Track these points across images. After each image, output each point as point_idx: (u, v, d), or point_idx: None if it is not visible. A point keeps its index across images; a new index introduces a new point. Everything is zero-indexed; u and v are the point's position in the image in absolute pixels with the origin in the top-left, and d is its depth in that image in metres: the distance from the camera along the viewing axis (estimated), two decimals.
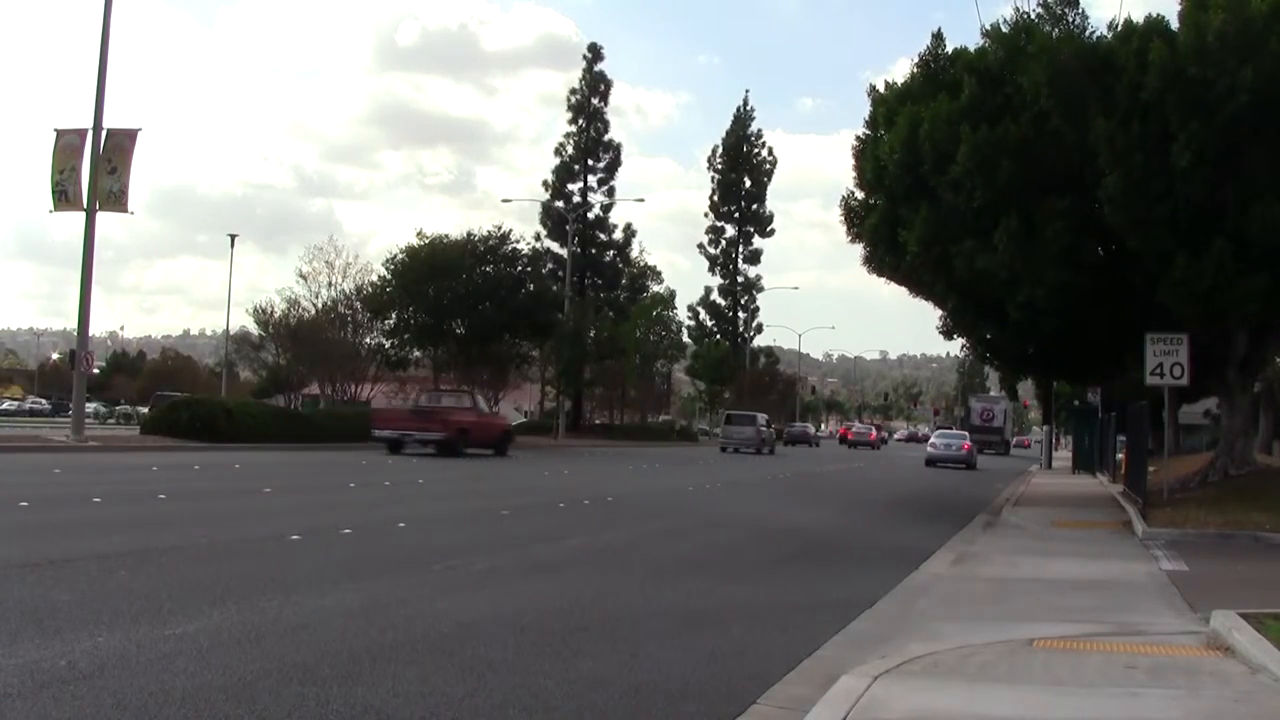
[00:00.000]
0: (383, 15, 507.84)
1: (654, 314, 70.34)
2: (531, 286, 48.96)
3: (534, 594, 8.45)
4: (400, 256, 46.24)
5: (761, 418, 53.35)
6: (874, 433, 79.46)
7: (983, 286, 19.04)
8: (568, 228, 63.15)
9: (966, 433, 51.29)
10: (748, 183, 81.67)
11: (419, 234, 47.26)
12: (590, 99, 70.60)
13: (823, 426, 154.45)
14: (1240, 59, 15.55)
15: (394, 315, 46.89)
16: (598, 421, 70.13)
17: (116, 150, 28.77)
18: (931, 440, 48.54)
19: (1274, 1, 15.60)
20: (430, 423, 31.64)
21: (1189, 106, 16.09)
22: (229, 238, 59.14)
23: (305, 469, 23.38)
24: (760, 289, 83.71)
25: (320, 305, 48.32)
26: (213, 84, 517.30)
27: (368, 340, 50.12)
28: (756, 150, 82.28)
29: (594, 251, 69.82)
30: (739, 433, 50.43)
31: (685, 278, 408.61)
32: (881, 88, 21.09)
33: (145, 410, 48.04)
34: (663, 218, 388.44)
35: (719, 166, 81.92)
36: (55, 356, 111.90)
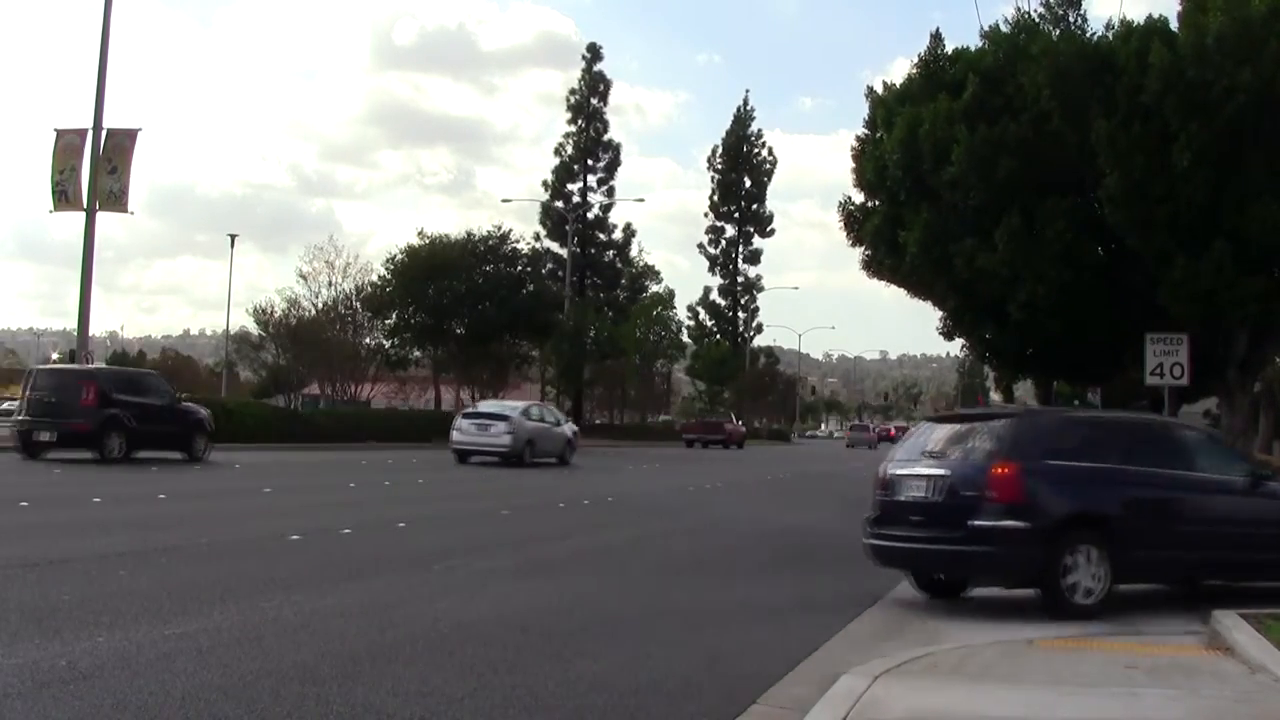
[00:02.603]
0: (380, 14, 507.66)
1: (654, 314, 70.36)
2: (531, 286, 48.94)
3: (534, 594, 8.45)
4: (400, 256, 46.23)
5: (872, 424, 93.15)
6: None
7: (983, 286, 19.07)
8: (567, 228, 63.14)
9: None
10: (748, 183, 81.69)
11: (419, 234, 47.30)
12: (590, 99, 70.64)
13: (823, 426, 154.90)
14: (1239, 60, 15.57)
15: (394, 315, 46.86)
16: (598, 421, 70.10)
17: (116, 150, 28.77)
18: None
19: (1273, 3, 15.62)
20: (716, 431, 56.81)
21: (1189, 108, 16.12)
22: (229, 238, 59.18)
23: (305, 469, 23.38)
24: (760, 289, 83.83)
25: (320, 305, 48.31)
26: (211, 84, 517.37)
27: (368, 340, 50.11)
28: (756, 150, 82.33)
29: (594, 251, 69.84)
30: (859, 437, 76.77)
31: (685, 278, 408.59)
32: (880, 89, 21.16)
33: None
34: (663, 218, 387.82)
35: (719, 166, 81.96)
36: (55, 356, 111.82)
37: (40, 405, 21.35)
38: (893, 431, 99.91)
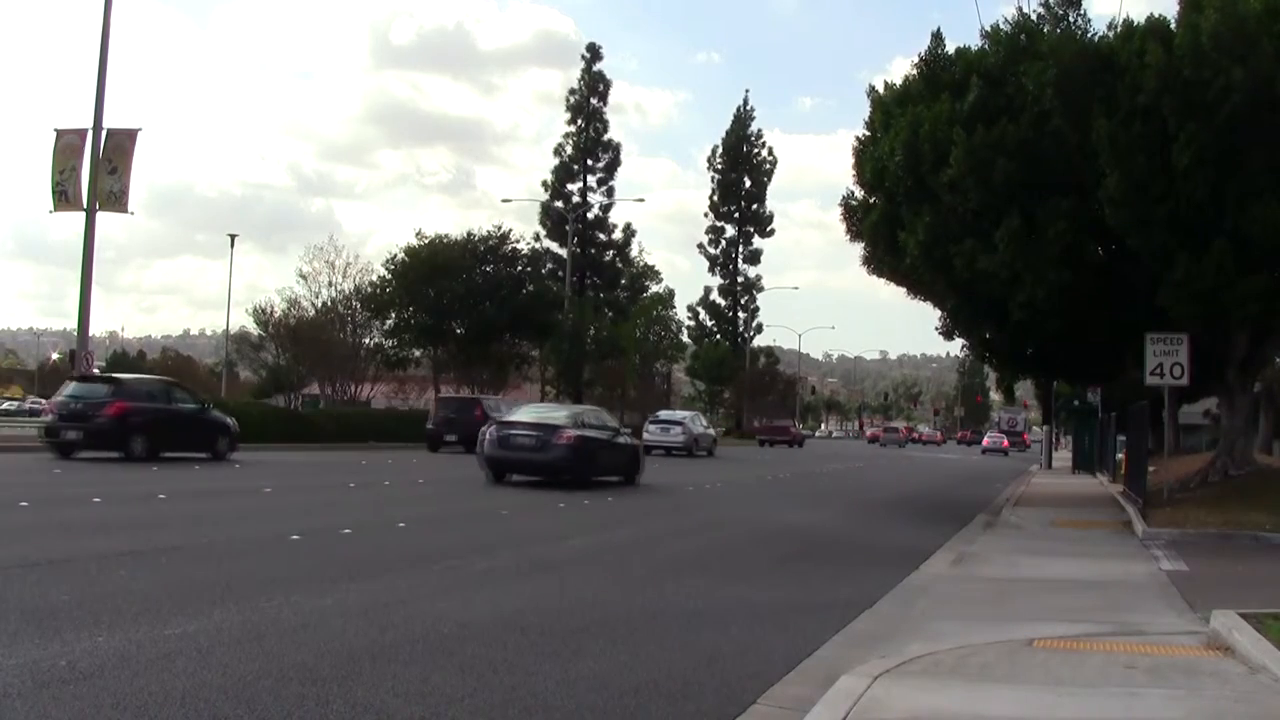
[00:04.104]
0: (377, 14, 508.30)
1: (654, 314, 70.38)
2: (531, 286, 48.93)
3: (534, 594, 8.45)
4: (400, 256, 46.23)
5: (900, 426, 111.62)
6: (940, 434, 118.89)
7: (983, 286, 19.02)
8: (567, 228, 63.15)
9: (1005, 434, 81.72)
10: (748, 183, 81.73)
11: (419, 234, 47.32)
12: (589, 99, 70.69)
13: (823, 426, 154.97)
14: (1234, 59, 15.54)
15: (394, 315, 46.85)
16: None
17: (116, 150, 28.77)
18: (985, 437, 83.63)
19: (1267, 1, 15.58)
20: (783, 433, 66.02)
21: (1186, 108, 16.08)
22: (229, 237, 59.22)
23: (304, 469, 23.39)
24: (760, 289, 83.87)
25: (320, 305, 48.31)
26: (209, 84, 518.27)
27: (367, 340, 50.12)
28: (756, 150, 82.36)
29: (594, 251, 69.88)
30: (892, 437, 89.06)
31: (685, 278, 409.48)
32: (881, 88, 21.07)
33: None
34: (662, 218, 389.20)
35: (719, 166, 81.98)
36: (55, 356, 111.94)
37: (447, 420, 35.13)
38: (904, 432, 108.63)
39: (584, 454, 20.77)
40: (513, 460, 20.75)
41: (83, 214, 28.44)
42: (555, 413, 23.08)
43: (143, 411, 23.20)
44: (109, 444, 22.70)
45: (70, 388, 23.79)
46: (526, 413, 22.87)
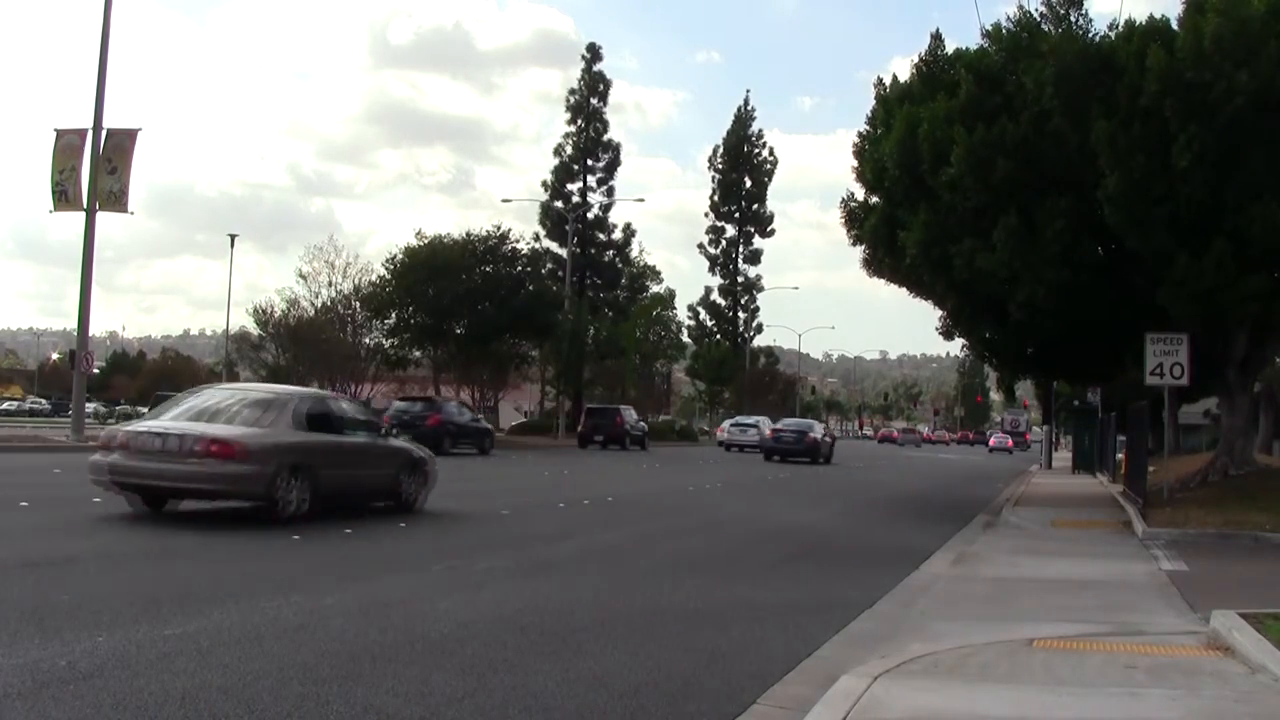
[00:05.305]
0: (375, 13, 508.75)
1: (654, 314, 70.33)
2: (531, 286, 48.88)
3: (534, 594, 8.45)
4: (400, 256, 46.20)
5: (914, 427, 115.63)
6: (945, 435, 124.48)
7: (982, 286, 19.02)
8: (567, 228, 63.12)
9: (1009, 434, 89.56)
10: (748, 183, 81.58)
11: (418, 234, 47.26)
12: (589, 99, 70.56)
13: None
14: (1237, 62, 15.53)
15: (394, 315, 46.83)
16: None
17: (116, 150, 28.74)
18: (992, 438, 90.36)
19: (1271, 4, 15.58)
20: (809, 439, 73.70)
21: (1188, 109, 16.07)
22: (229, 237, 59.15)
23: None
24: (760, 289, 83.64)
25: (320, 305, 48.27)
26: (209, 84, 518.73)
27: (368, 340, 50.09)
28: (757, 150, 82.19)
29: (594, 251, 69.76)
30: (909, 438, 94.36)
31: (685, 278, 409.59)
32: (887, 82, 21.05)
33: (145, 410, 48.03)
34: (662, 218, 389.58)
35: (719, 166, 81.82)
36: (55, 356, 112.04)
37: (595, 425, 43.99)
38: (914, 432, 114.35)
39: (817, 446, 38.80)
40: (780, 449, 38.66)
41: (83, 214, 28.41)
42: (800, 423, 42.68)
43: (449, 421, 32.34)
44: (429, 444, 29.19)
45: (398, 405, 33.93)
46: (784, 423, 42.51)
